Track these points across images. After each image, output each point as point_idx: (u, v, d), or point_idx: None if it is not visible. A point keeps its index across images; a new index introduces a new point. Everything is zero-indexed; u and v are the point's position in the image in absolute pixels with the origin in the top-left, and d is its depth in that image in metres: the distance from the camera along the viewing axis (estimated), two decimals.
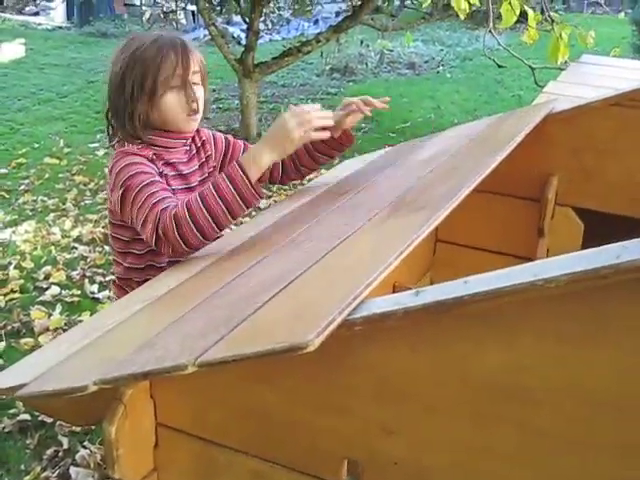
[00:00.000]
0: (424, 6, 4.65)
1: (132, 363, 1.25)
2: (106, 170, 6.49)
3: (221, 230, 1.84)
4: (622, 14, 6.49)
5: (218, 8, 8.30)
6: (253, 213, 5.46)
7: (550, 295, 0.96)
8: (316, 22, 9.75)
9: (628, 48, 11.72)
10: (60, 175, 6.46)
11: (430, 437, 1.15)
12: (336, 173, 2.64)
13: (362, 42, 10.41)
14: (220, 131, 2.26)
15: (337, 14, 8.43)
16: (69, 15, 14.89)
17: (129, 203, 1.90)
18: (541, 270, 0.97)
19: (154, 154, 2.02)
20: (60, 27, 14.31)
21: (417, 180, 1.96)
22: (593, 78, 3.14)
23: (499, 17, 4.29)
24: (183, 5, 9.57)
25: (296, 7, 8.57)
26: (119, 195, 1.92)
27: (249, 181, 1.81)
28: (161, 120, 2.01)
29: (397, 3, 8.28)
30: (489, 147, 2.08)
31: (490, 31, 4.29)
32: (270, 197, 5.91)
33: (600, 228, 2.56)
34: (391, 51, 10.95)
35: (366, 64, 10.54)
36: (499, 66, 5.69)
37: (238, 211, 1.82)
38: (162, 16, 10.44)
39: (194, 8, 9.26)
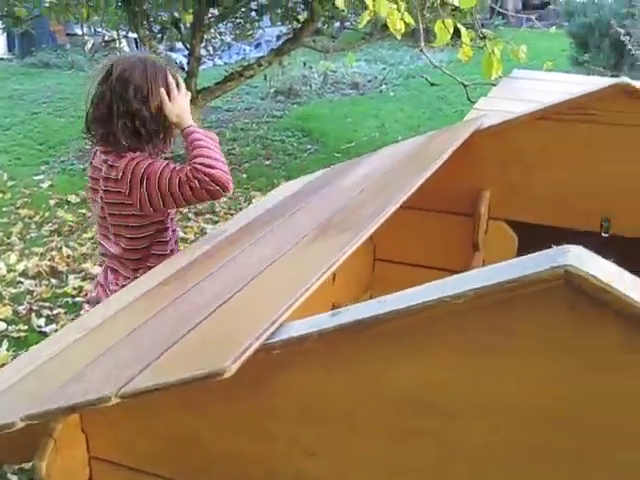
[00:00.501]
0: (360, 27, 4.68)
1: (60, 397, 1.25)
2: (51, 202, 6.45)
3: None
4: (553, 28, 6.56)
5: (159, 35, 8.28)
6: (191, 238, 5.46)
7: (459, 310, 0.98)
8: (257, 46, 9.77)
9: (567, 60, 11.92)
10: (4, 209, 6.38)
11: (352, 457, 1.16)
12: (276, 195, 2.66)
13: (305, 64, 10.43)
14: (166, 158, 2.53)
15: (278, 37, 8.42)
16: (10, 46, 14.74)
17: (155, 183, 2.32)
18: (450, 287, 0.99)
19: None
20: (1, 59, 14.17)
21: (348, 200, 1.99)
22: (523, 92, 3.19)
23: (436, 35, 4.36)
24: (124, 33, 9.52)
25: (237, 32, 8.57)
26: (145, 186, 2.33)
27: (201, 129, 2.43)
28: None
29: (337, 24, 8.31)
30: (418, 165, 2.11)
31: (422, 50, 4.35)
32: (216, 222, 5.91)
33: (533, 239, 2.60)
34: (334, 72, 10.98)
35: (310, 86, 10.56)
36: (432, 84, 5.76)
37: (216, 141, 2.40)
38: (103, 45, 10.40)
39: (136, 36, 9.24)
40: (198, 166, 2.28)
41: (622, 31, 6.85)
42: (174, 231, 2.60)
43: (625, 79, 2.38)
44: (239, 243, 1.94)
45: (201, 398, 1.28)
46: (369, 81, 11.10)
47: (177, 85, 2.44)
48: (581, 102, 2.38)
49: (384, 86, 10.88)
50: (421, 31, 4.18)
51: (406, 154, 2.43)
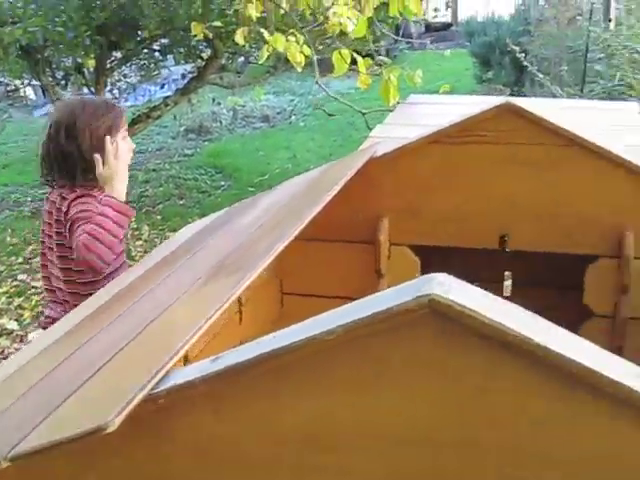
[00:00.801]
0: (261, 62, 4.72)
1: None
2: None
3: (120, 239, 2.48)
4: (448, 51, 6.71)
5: (63, 82, 8.21)
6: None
7: (332, 346, 1.00)
8: (163, 86, 9.75)
9: (471, 79, 12.20)
10: None
11: None
12: (185, 232, 2.65)
13: (214, 100, 10.46)
14: None
15: (183, 76, 8.43)
16: None
17: (74, 232, 2.46)
18: (321, 324, 1.00)
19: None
20: None
21: (244, 238, 2.00)
22: (419, 117, 3.25)
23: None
24: (27, 81, 9.41)
25: (142, 73, 8.55)
26: (68, 226, 2.51)
27: (119, 201, 2.50)
28: None
29: (242, 59, 8.36)
30: (311, 198, 2.13)
31: (317, 82, 4.41)
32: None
33: (436, 261, 2.64)
34: (243, 106, 11.01)
35: (220, 122, 10.60)
36: (329, 115, 5.83)
37: (124, 223, 2.50)
38: (7, 95, 10.28)
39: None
40: (80, 244, 2.40)
41: (517, 49, 7.04)
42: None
43: (510, 99, 2.45)
44: (139, 289, 1.93)
45: (100, 454, 1.26)
46: (278, 113, 11.18)
47: (116, 149, 2.57)
48: (470, 124, 2.43)
49: (293, 117, 10.97)
50: (315, 63, 4.24)
51: (303, 187, 2.45)
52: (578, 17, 8.59)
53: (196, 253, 2.13)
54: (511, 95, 9.51)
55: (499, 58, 10.95)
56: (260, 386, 1.08)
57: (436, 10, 15.03)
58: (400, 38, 7.60)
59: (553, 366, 0.95)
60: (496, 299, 0.99)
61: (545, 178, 2.44)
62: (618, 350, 2.49)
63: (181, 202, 7.65)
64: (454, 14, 18.31)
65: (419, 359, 0.99)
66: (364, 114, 5.03)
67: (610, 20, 7.60)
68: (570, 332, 1.01)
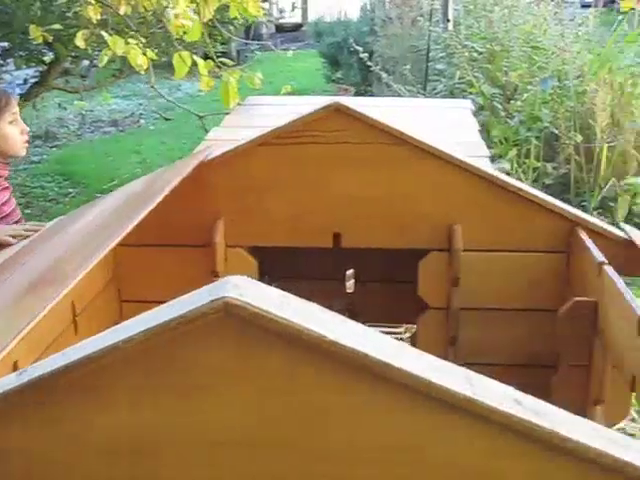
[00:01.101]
0: (101, 65, 4.63)
1: None
2: None
3: None
4: (290, 52, 6.80)
5: None
6: None
7: (134, 353, 0.99)
8: None
9: (322, 79, 12.35)
10: None
11: None
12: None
13: (60, 105, 10.17)
14: None
15: (25, 81, 8.16)
16: None
17: None
18: (123, 331, 1.00)
19: None
20: None
21: (69, 247, 1.96)
22: (255, 119, 3.27)
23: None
24: None
25: None
26: None
27: None
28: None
29: (86, 63, 8.14)
30: (141, 203, 2.12)
31: (153, 86, 4.39)
32: None
33: (273, 262, 2.67)
34: (92, 111, 10.79)
35: (67, 127, 10.34)
36: (166, 119, 5.81)
37: None
38: None
39: None
40: None
41: (361, 49, 7.18)
42: None
43: (337, 99, 2.49)
44: None
45: None
46: (127, 117, 10.99)
47: None
48: (300, 125, 2.47)
49: (142, 121, 10.81)
50: (151, 67, 4.20)
51: (135, 192, 2.43)
52: (420, 18, 8.81)
53: (19, 267, 2.08)
54: (357, 94, 9.68)
55: (347, 58, 11.10)
56: (67, 399, 1.06)
57: (281, 12, 15.06)
58: (249, 41, 7.62)
59: (349, 362, 0.96)
60: (294, 299, 1.01)
61: (376, 176, 2.50)
62: (453, 340, 2.58)
63: (28, 211, 7.40)
64: (304, 15, 18.42)
65: (221, 363, 0.99)
66: (201, 117, 5.02)
67: (448, 20, 7.82)
68: (362, 325, 1.03)
